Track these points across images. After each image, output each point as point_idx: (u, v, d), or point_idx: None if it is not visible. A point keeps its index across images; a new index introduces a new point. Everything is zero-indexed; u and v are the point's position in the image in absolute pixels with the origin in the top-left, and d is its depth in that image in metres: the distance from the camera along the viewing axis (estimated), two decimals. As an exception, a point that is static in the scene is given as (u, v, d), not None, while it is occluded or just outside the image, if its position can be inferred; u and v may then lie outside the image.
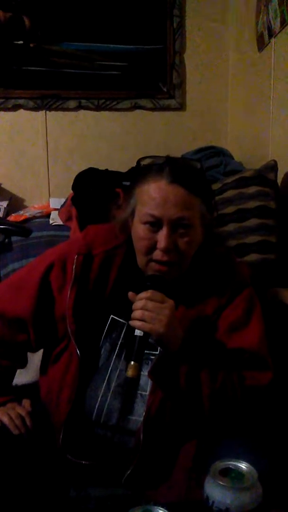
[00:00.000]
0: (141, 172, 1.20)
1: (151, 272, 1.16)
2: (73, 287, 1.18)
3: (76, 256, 1.20)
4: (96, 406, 1.16)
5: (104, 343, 1.19)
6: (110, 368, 1.17)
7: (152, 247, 1.14)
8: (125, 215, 1.21)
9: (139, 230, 1.15)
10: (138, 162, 1.22)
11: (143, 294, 1.07)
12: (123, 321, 1.18)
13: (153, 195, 1.13)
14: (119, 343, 1.18)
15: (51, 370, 1.24)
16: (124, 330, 1.18)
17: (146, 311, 1.05)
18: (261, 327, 1.19)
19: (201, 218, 1.17)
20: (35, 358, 1.40)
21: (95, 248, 1.23)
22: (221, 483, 0.80)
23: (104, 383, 1.16)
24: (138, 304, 1.06)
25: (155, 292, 1.07)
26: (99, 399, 1.16)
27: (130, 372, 1.05)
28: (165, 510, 0.78)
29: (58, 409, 1.18)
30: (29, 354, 1.34)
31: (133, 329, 1.06)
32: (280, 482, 0.99)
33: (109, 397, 1.16)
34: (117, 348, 1.18)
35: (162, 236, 1.12)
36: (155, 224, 1.13)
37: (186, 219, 1.13)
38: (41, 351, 1.32)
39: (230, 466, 0.84)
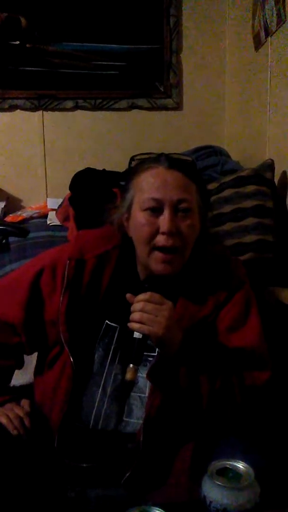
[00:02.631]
0: (136, 166, 1.20)
1: (154, 264, 1.15)
2: (65, 292, 1.17)
3: (68, 261, 1.19)
4: (93, 413, 1.15)
5: (97, 348, 1.18)
6: (104, 374, 1.17)
7: (154, 234, 1.13)
8: (121, 211, 1.21)
9: (139, 218, 1.14)
10: (132, 158, 1.23)
11: (141, 296, 1.06)
12: (115, 325, 1.18)
13: (152, 180, 1.14)
14: (112, 347, 1.18)
15: (45, 375, 1.23)
16: (116, 334, 1.18)
17: (145, 313, 1.04)
18: (259, 325, 1.19)
19: (198, 206, 1.17)
20: (33, 359, 1.40)
21: (87, 253, 1.22)
22: (218, 483, 0.80)
23: (100, 389, 1.16)
24: (136, 306, 1.05)
25: (153, 294, 1.06)
26: (95, 405, 1.15)
27: (129, 375, 1.04)
28: (162, 511, 0.78)
29: (51, 415, 1.17)
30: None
31: (131, 331, 1.05)
32: (278, 481, 1.00)
33: (106, 403, 1.15)
34: (111, 352, 1.17)
35: (164, 220, 1.12)
36: (156, 209, 1.13)
37: (187, 201, 1.13)
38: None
39: (228, 466, 0.84)
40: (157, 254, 1.14)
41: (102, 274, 1.21)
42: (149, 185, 1.14)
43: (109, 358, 1.17)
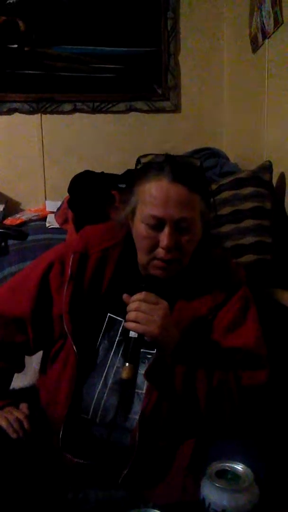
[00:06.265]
0: (141, 170, 1.21)
1: (152, 269, 1.16)
2: (69, 285, 1.19)
3: (72, 254, 1.21)
4: (93, 404, 1.16)
5: (102, 341, 1.20)
6: (107, 365, 1.18)
7: (154, 246, 1.15)
8: (125, 213, 1.22)
9: (141, 229, 1.16)
10: (138, 159, 1.23)
11: (137, 296, 1.08)
12: (120, 319, 1.19)
13: (155, 195, 1.14)
14: (116, 340, 1.19)
15: (49, 371, 1.25)
16: (121, 328, 1.19)
17: (140, 313, 1.05)
18: (257, 326, 1.20)
19: (201, 215, 1.18)
20: (33, 362, 1.41)
21: (91, 247, 1.24)
22: (217, 484, 0.80)
23: (101, 381, 1.17)
24: (132, 305, 1.07)
25: (148, 294, 1.08)
26: (95, 396, 1.16)
27: (124, 374, 1.05)
28: (161, 513, 0.78)
29: (56, 409, 1.18)
30: (27, 358, 1.34)
31: (128, 330, 1.07)
32: (277, 483, 1.00)
33: (105, 395, 1.16)
34: (115, 345, 1.19)
35: (164, 236, 1.13)
36: (157, 224, 1.14)
37: (188, 219, 1.14)
38: (39, 354, 1.32)
39: (227, 468, 0.85)
40: (157, 262, 1.16)
41: (105, 268, 1.23)
42: (151, 200, 1.14)
43: (113, 350, 1.19)
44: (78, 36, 2.51)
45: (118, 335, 1.19)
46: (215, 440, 1.09)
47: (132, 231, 1.21)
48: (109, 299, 1.21)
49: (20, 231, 2.09)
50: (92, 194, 2.00)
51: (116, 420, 1.14)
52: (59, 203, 2.21)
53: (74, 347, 1.16)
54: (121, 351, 1.18)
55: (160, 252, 1.14)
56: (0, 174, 2.55)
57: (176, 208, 1.13)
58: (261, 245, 1.68)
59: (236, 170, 2.08)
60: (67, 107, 2.55)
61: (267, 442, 1.12)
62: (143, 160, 1.21)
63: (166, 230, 1.13)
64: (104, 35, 2.52)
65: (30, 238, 2.06)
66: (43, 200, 2.54)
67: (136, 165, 1.23)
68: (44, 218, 2.25)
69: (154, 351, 1.14)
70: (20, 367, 1.33)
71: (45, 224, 2.17)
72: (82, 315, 1.20)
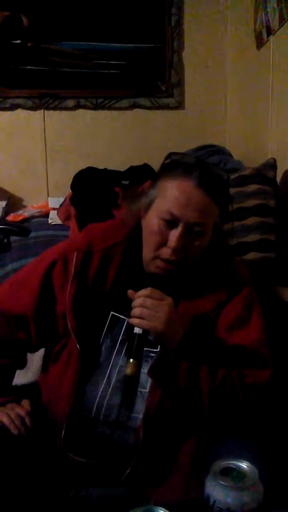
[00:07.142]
0: (168, 166, 1.21)
1: (153, 268, 1.17)
2: (72, 283, 1.20)
3: (76, 252, 1.21)
4: (96, 402, 1.16)
5: (105, 339, 1.20)
6: (110, 364, 1.18)
7: (161, 244, 1.15)
8: (140, 204, 1.22)
9: (153, 223, 1.16)
10: (169, 155, 1.23)
11: (142, 292, 1.08)
12: (124, 317, 1.19)
13: (177, 194, 1.14)
14: (119, 339, 1.19)
15: (51, 369, 1.25)
16: (124, 326, 1.19)
17: (145, 309, 1.05)
18: (261, 324, 1.20)
19: (214, 226, 1.19)
20: (35, 359, 1.41)
21: (94, 245, 1.24)
22: (222, 482, 0.80)
23: (105, 379, 1.17)
24: (137, 301, 1.07)
25: (154, 290, 1.08)
26: (98, 395, 1.16)
27: (128, 370, 1.05)
28: (166, 510, 0.77)
29: (58, 406, 1.18)
30: (29, 355, 1.34)
31: (133, 326, 1.07)
32: (281, 481, 0.99)
33: (108, 393, 1.16)
34: (118, 344, 1.19)
35: (174, 236, 1.13)
36: (171, 222, 1.14)
37: (202, 226, 1.15)
38: (41, 351, 1.32)
39: (231, 466, 0.84)
40: (159, 262, 1.16)
41: (109, 266, 1.23)
42: (172, 198, 1.14)
43: (116, 349, 1.19)
44: (81, 32, 2.50)
45: (121, 333, 1.19)
46: (218, 438, 1.09)
47: (142, 221, 1.21)
48: (113, 298, 1.22)
49: (22, 228, 2.09)
50: (94, 191, 2.00)
51: (120, 419, 1.13)
52: (61, 200, 2.20)
53: (77, 345, 1.16)
54: (124, 350, 1.17)
55: (166, 251, 1.14)
56: (2, 170, 2.54)
57: (194, 213, 1.13)
58: (265, 243, 1.67)
59: (239, 168, 2.07)
60: (70, 103, 2.54)
61: (271, 440, 1.11)
62: (173, 157, 1.21)
63: (178, 230, 1.13)
64: (107, 31, 2.51)
65: (32, 234, 2.06)
66: (46, 197, 2.53)
67: (165, 159, 1.23)
68: (46, 215, 2.24)
69: (157, 350, 1.14)
70: (22, 364, 1.33)
71: (48, 221, 2.17)
72: (86, 313, 1.19)
